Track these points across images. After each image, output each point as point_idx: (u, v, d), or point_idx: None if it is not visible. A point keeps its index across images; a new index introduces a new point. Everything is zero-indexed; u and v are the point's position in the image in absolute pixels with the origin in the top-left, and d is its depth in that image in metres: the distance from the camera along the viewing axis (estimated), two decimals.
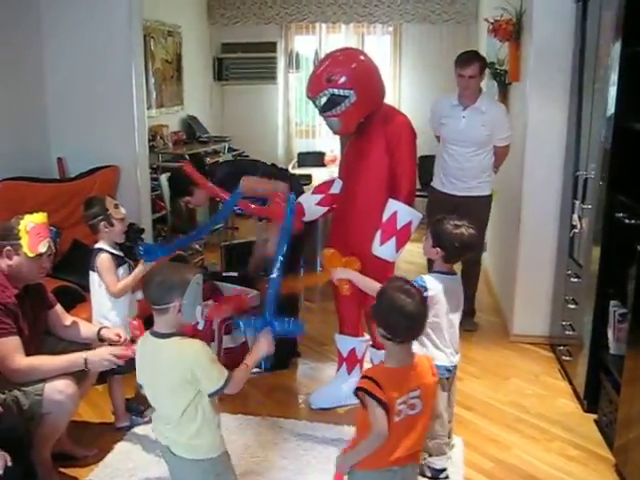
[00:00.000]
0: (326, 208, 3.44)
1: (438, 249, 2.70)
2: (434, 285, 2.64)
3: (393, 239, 3.04)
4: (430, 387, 2.18)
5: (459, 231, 2.65)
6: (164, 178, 5.88)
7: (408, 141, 3.15)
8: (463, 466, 2.94)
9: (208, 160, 6.42)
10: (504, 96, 5.04)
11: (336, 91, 3.04)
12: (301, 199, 3.43)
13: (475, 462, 2.99)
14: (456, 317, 2.75)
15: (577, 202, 3.69)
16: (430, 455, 2.80)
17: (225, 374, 2.16)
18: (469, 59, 4.22)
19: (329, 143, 7.89)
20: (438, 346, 2.70)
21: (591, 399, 3.39)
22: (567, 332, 3.73)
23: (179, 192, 4.00)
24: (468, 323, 4.32)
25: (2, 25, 4.07)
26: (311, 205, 3.42)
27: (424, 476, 2.79)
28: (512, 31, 4.47)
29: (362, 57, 3.22)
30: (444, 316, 2.68)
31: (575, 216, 3.70)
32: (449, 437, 2.87)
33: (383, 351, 2.20)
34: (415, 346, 2.57)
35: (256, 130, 8.07)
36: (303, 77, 8.26)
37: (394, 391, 2.07)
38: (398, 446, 2.10)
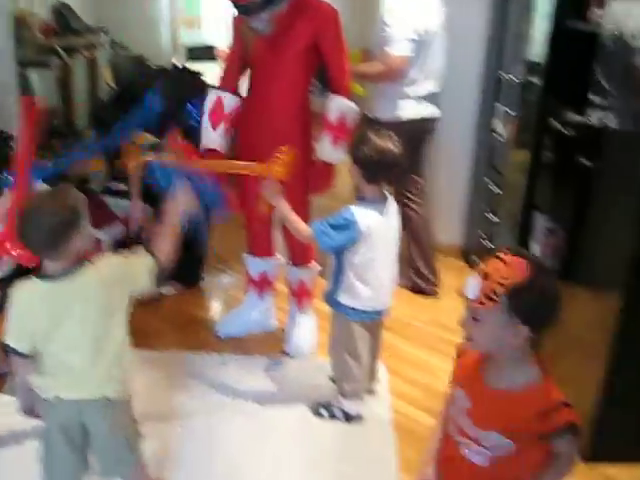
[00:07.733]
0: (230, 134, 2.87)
1: (356, 166, 2.31)
2: (364, 217, 2.26)
3: (343, 142, 2.68)
4: None
5: (379, 142, 2.24)
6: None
7: (340, 30, 2.69)
8: (389, 396, 2.75)
9: (86, 55, 5.69)
10: None
11: None
12: (207, 142, 2.80)
13: (401, 390, 2.79)
14: (393, 252, 2.43)
15: (499, 105, 3.44)
16: (344, 397, 2.55)
17: (149, 257, 1.85)
18: None
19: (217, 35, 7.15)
20: (370, 284, 2.37)
21: None
22: (485, 242, 3.58)
23: None
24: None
25: None
26: (219, 142, 2.81)
27: (334, 418, 2.57)
28: None
29: None
30: (380, 250, 2.34)
31: (497, 120, 3.46)
32: (370, 381, 2.68)
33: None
34: (344, 285, 2.35)
35: (135, 18, 7.21)
36: None
37: None
38: None
